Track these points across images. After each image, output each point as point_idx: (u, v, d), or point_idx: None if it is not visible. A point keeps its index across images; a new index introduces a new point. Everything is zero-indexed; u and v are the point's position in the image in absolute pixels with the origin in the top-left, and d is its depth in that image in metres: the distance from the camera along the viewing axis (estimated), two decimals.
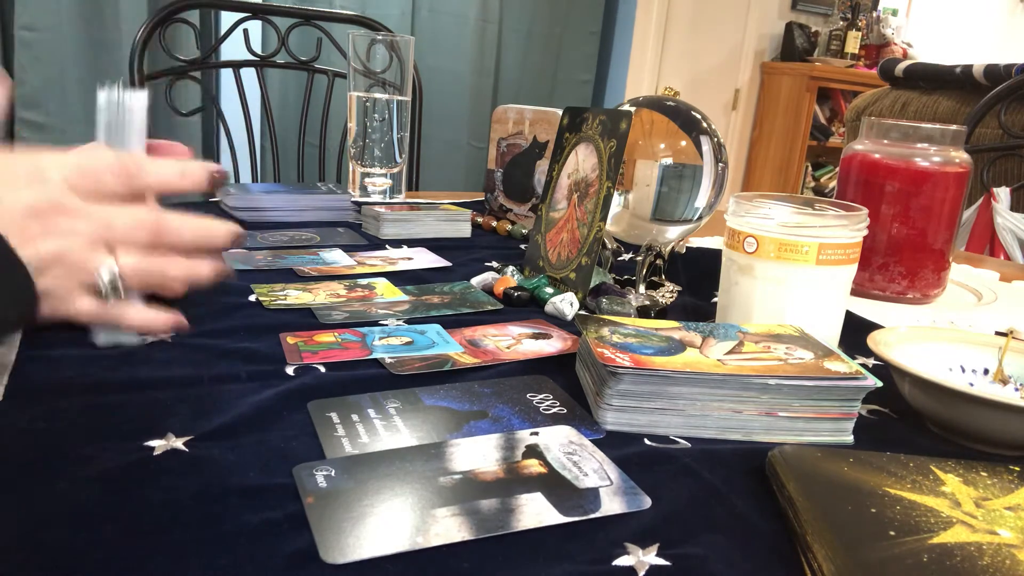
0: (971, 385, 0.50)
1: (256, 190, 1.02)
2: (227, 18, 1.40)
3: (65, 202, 0.42)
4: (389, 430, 0.42)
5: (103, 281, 0.43)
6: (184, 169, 0.46)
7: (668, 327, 0.51)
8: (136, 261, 0.44)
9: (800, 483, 0.36)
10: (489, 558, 0.31)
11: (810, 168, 4.04)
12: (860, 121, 0.88)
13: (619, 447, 0.41)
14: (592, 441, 0.42)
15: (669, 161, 0.68)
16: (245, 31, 1.38)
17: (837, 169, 1.01)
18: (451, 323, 0.61)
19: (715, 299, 0.64)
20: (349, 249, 0.84)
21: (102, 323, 0.45)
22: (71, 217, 0.42)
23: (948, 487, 0.36)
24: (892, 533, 0.32)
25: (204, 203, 1.06)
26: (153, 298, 0.47)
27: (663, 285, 0.73)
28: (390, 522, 0.33)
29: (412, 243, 0.90)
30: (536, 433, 0.42)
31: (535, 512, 0.34)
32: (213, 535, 0.31)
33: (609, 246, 0.75)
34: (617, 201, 0.69)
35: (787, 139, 3.79)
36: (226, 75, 1.50)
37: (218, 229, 0.47)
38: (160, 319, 0.47)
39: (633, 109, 0.69)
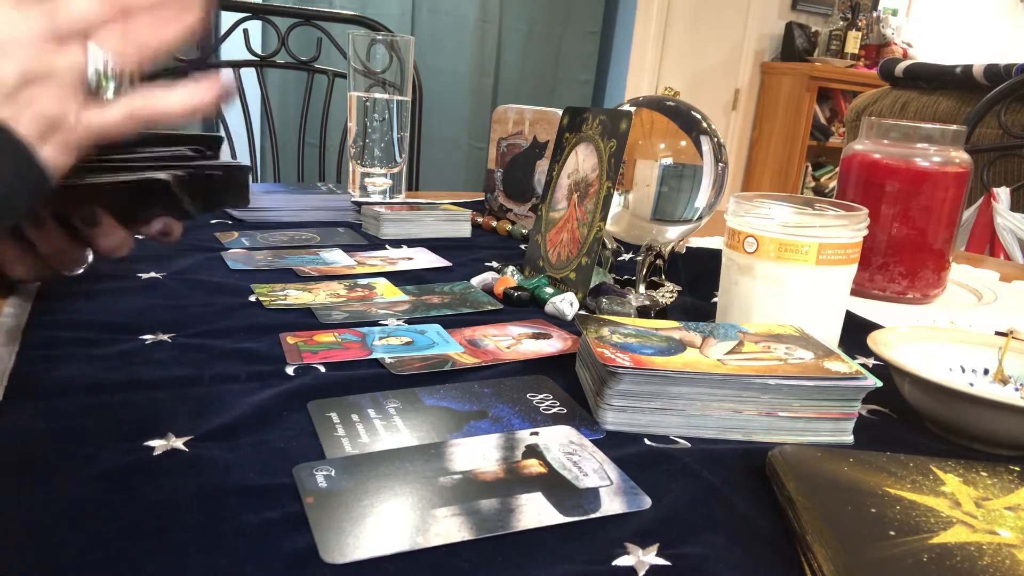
0: (971, 385, 0.50)
1: (256, 190, 1.02)
2: (227, 18, 1.39)
3: None
4: (389, 430, 0.42)
5: (92, 76, 0.37)
6: None
7: (668, 327, 0.51)
8: (119, 36, 0.38)
9: (800, 483, 0.36)
10: (489, 558, 0.31)
11: (810, 168, 4.04)
12: (860, 121, 0.88)
13: (619, 447, 0.41)
14: (592, 441, 0.42)
15: (669, 161, 0.68)
16: (245, 31, 1.38)
17: (837, 169, 1.01)
18: (451, 323, 0.61)
19: (715, 299, 0.64)
20: (349, 249, 0.84)
21: (135, 124, 0.39)
22: (8, 22, 0.36)
23: (948, 487, 0.36)
24: (892, 533, 0.32)
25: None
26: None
27: (663, 285, 0.73)
28: (390, 522, 0.33)
29: (412, 243, 0.90)
30: (536, 433, 0.42)
31: (535, 512, 0.34)
32: (213, 535, 0.31)
33: (609, 246, 0.75)
34: (617, 201, 0.69)
35: (787, 139, 3.79)
36: (226, 75, 1.50)
37: None
38: (202, 89, 0.41)
39: (633, 109, 0.69)
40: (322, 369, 0.50)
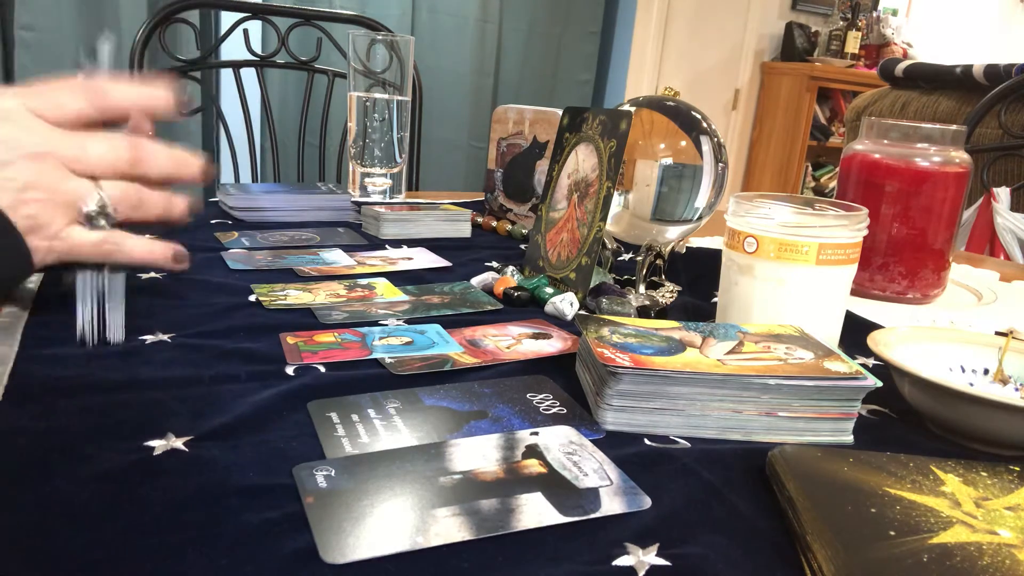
0: (971, 385, 0.50)
1: (256, 190, 1.02)
2: (227, 18, 1.40)
3: (32, 126, 0.42)
4: (389, 430, 0.42)
5: (93, 209, 0.44)
6: (151, 92, 0.46)
7: (668, 327, 0.51)
8: (122, 188, 0.45)
9: (800, 483, 0.36)
10: (489, 558, 0.31)
11: (810, 168, 4.04)
12: (860, 121, 0.88)
13: (619, 447, 0.41)
14: (592, 441, 0.42)
15: (669, 161, 0.68)
16: (245, 31, 1.38)
17: (837, 169, 1.01)
18: (451, 323, 0.61)
19: (715, 299, 0.64)
20: (349, 249, 0.84)
21: (101, 256, 0.46)
22: (41, 139, 0.42)
23: (948, 487, 0.36)
24: (892, 533, 0.32)
25: (204, 202, 1.06)
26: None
27: (663, 285, 0.73)
28: (390, 522, 0.33)
29: (412, 243, 0.90)
30: (536, 433, 0.42)
31: (535, 512, 0.34)
32: (213, 535, 0.31)
33: (609, 246, 0.75)
34: (617, 201, 0.69)
35: (787, 139, 3.79)
36: (226, 75, 1.50)
37: (192, 160, 0.48)
38: (161, 248, 0.49)
39: (633, 109, 0.69)
40: (322, 369, 0.50)
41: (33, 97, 0.43)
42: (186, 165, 0.48)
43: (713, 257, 0.68)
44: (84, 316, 0.49)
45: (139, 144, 0.45)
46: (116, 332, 0.51)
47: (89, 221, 0.44)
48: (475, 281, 0.73)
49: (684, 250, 0.78)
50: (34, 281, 0.62)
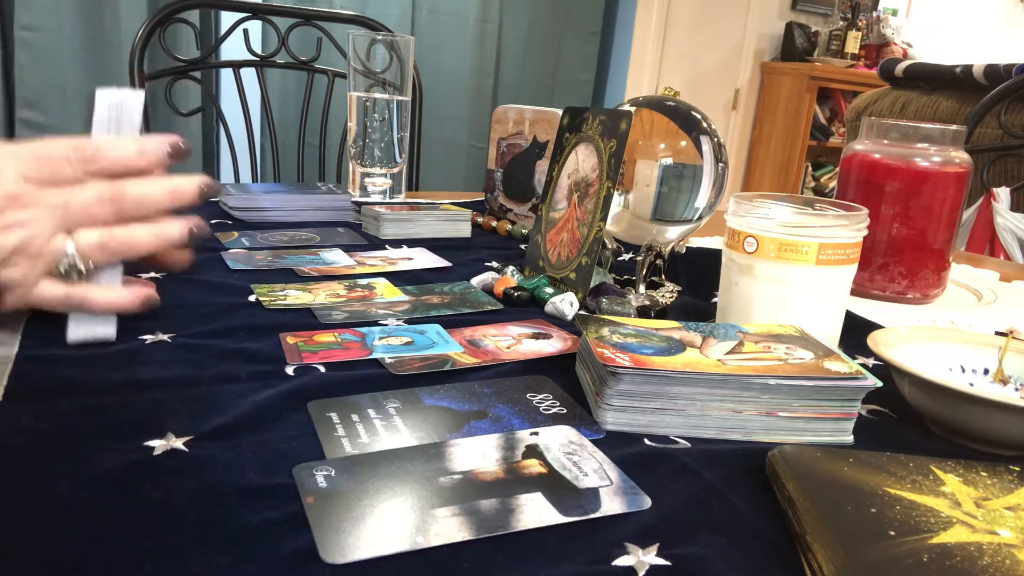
0: (971, 385, 0.50)
1: (256, 190, 1.02)
2: (227, 18, 1.39)
3: (22, 193, 0.43)
4: (389, 430, 0.42)
5: (64, 267, 0.44)
6: (142, 147, 0.46)
7: (668, 327, 0.51)
8: (97, 236, 0.45)
9: (800, 483, 0.36)
10: (489, 558, 0.31)
11: (810, 168, 4.04)
12: (860, 121, 0.88)
13: (619, 447, 0.42)
14: (592, 441, 0.42)
15: (669, 161, 0.68)
16: (245, 31, 1.38)
17: (837, 169, 1.01)
18: (451, 323, 0.61)
19: (715, 299, 0.64)
20: (349, 249, 0.84)
21: (67, 308, 0.47)
22: (29, 207, 0.43)
23: (948, 487, 0.36)
24: (892, 533, 0.32)
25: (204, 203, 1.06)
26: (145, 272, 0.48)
27: (663, 285, 0.73)
28: (390, 522, 0.33)
29: (412, 243, 0.90)
30: (536, 433, 0.42)
31: (535, 512, 0.34)
32: (213, 535, 0.31)
33: (609, 246, 0.75)
34: (617, 201, 0.69)
35: (787, 139, 3.79)
36: (226, 75, 1.50)
37: (184, 186, 0.47)
38: (126, 297, 0.48)
39: (633, 109, 0.69)
40: (322, 369, 0.50)
41: (27, 161, 0.43)
42: (181, 194, 0.47)
43: (713, 257, 0.68)
44: (73, 320, 0.49)
45: (121, 187, 0.45)
46: (106, 330, 0.50)
47: (61, 275, 0.45)
48: (475, 281, 0.73)
49: (684, 250, 0.78)
50: None
